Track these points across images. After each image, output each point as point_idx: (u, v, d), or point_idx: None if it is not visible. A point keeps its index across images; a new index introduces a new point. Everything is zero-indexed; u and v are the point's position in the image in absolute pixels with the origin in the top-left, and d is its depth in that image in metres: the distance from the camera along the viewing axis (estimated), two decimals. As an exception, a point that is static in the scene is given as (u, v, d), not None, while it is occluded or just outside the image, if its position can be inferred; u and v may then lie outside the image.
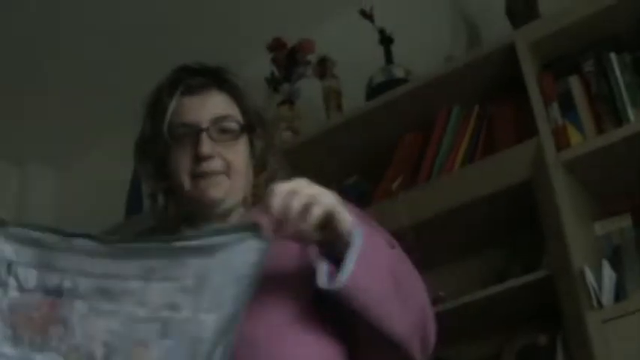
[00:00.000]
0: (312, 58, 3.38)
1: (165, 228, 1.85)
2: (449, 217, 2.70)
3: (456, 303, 2.62)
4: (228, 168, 1.79)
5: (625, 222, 2.55)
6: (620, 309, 2.28)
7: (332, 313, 1.57)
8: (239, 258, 1.45)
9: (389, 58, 3.21)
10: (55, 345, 1.46)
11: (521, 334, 2.67)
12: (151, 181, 1.89)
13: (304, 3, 3.63)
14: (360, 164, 3.13)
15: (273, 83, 3.43)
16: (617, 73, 2.57)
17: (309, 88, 3.34)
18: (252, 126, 1.87)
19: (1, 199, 4.43)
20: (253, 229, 1.45)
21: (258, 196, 1.85)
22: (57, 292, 1.49)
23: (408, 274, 1.64)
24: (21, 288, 1.50)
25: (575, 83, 2.63)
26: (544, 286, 2.44)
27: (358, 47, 3.39)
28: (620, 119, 2.50)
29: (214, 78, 1.87)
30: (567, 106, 2.58)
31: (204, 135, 1.78)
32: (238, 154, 1.82)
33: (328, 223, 1.51)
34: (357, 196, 2.91)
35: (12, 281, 1.51)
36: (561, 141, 2.52)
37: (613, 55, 2.61)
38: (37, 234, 1.53)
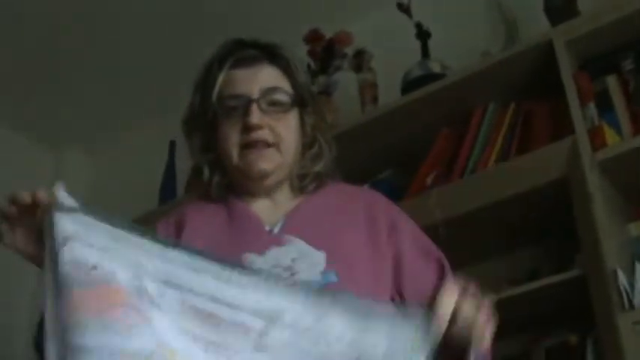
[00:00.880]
0: (349, 50, 3.37)
1: (210, 199, 1.86)
2: (482, 214, 2.70)
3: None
4: (278, 141, 1.80)
5: (659, 224, 2.53)
6: (652, 311, 2.27)
7: None
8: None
9: (425, 52, 3.21)
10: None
11: (552, 334, 2.66)
12: (198, 155, 1.89)
13: (342, -5, 3.64)
14: (395, 158, 3.13)
15: (310, 75, 3.43)
16: (656, 73, 2.56)
17: (346, 80, 3.33)
18: (303, 101, 1.87)
19: (36, 183, 4.45)
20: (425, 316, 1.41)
21: (303, 177, 1.86)
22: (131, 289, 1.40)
23: None
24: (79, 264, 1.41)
25: (612, 83, 2.61)
26: (576, 286, 2.43)
27: (395, 41, 3.39)
28: (658, 120, 2.49)
29: (266, 52, 1.87)
30: (604, 105, 2.57)
31: (254, 105, 1.78)
32: (288, 127, 1.83)
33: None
34: (391, 190, 2.91)
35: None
36: (597, 141, 2.50)
37: (652, 55, 2.59)
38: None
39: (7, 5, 3.63)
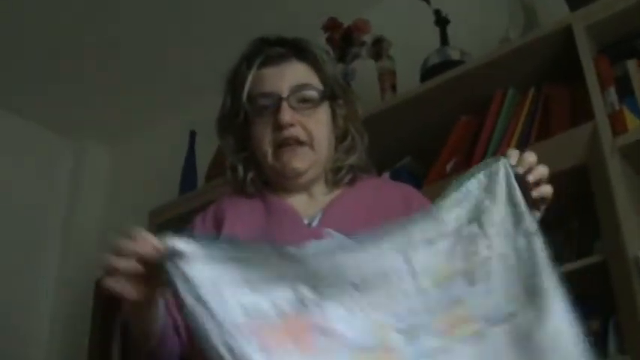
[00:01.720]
0: (368, 38, 3.37)
1: (246, 194, 1.88)
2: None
3: (508, 287, 2.61)
4: (310, 139, 1.81)
5: (681, 209, 2.52)
6: (674, 297, 2.26)
7: None
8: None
9: (444, 39, 3.20)
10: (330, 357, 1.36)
11: (573, 319, 2.65)
12: (232, 154, 1.91)
13: (360, -17, 3.64)
14: (414, 145, 3.12)
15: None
16: (676, 57, 2.54)
17: (364, 68, 3.33)
18: (333, 94, 1.88)
19: (57, 174, 4.49)
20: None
21: (337, 170, 1.88)
22: (297, 307, 1.37)
23: None
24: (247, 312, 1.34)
25: (632, 67, 2.59)
26: (597, 272, 2.42)
27: (414, 28, 3.39)
28: (678, 104, 2.48)
29: (293, 48, 1.89)
30: (624, 90, 2.55)
31: (284, 103, 1.80)
32: (320, 123, 1.84)
33: None
34: (411, 177, 2.92)
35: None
36: (618, 126, 2.49)
37: (672, 39, 2.58)
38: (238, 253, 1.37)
39: (32, 3, 3.66)
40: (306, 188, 1.86)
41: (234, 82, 1.89)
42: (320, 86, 1.87)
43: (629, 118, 2.49)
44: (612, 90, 2.55)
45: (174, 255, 1.31)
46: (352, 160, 1.90)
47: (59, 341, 4.10)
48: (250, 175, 1.88)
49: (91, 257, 4.23)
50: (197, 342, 1.30)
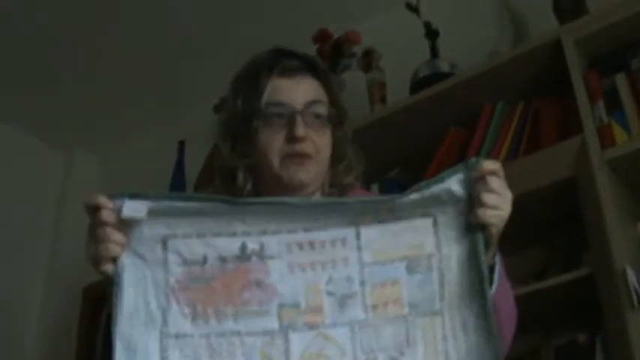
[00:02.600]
0: (358, 50, 3.38)
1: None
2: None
3: (496, 299, 2.62)
4: (317, 153, 1.82)
5: (669, 222, 2.53)
6: (661, 310, 2.27)
7: None
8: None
9: (434, 51, 3.21)
10: (257, 309, 1.48)
11: (561, 332, 2.66)
12: (232, 157, 1.90)
13: (350, -5, 3.65)
14: (403, 157, 3.13)
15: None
16: (665, 71, 2.55)
17: (354, 80, 3.34)
18: (340, 116, 1.89)
19: (46, 184, 4.49)
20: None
21: (334, 186, 1.90)
22: (240, 257, 1.49)
23: (513, 305, 1.74)
24: (185, 261, 1.48)
25: (621, 81, 2.60)
26: (585, 285, 2.43)
27: (404, 40, 3.40)
28: (667, 118, 2.49)
29: (307, 63, 1.89)
30: (613, 104, 2.56)
31: (299, 117, 1.80)
32: (326, 140, 1.85)
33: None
34: (400, 189, 2.90)
35: (172, 257, 1.48)
36: (606, 139, 2.50)
37: (661, 54, 2.59)
38: (194, 204, 1.48)
39: (19, 9, 3.65)
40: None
41: (249, 87, 1.88)
42: (329, 105, 1.88)
43: (618, 131, 2.51)
44: (601, 103, 2.56)
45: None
46: (349, 180, 1.91)
47: (47, 348, 4.08)
48: (249, 185, 1.88)
49: (79, 265, 4.21)
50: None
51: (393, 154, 3.13)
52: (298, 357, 1.46)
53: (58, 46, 3.88)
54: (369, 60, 3.33)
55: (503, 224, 1.58)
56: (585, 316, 2.51)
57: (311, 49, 3.36)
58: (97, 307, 3.86)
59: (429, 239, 1.52)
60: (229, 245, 1.49)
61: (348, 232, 1.51)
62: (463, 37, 3.30)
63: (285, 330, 1.47)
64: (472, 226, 1.52)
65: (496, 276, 1.59)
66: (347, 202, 1.59)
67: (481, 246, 1.52)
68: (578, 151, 2.53)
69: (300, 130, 1.79)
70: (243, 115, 1.87)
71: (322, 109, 1.85)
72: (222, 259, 1.48)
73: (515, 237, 2.80)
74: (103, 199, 1.54)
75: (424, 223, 1.52)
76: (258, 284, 1.48)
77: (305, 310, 1.48)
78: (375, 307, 1.49)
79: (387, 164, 3.12)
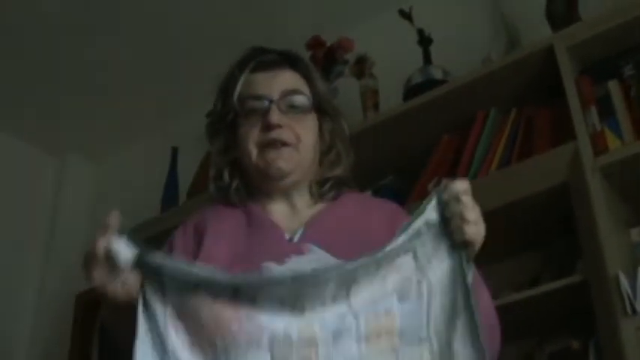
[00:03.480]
0: (350, 57, 3.38)
1: (229, 204, 1.88)
2: (483, 220, 2.69)
3: (489, 306, 2.62)
4: (297, 141, 1.82)
5: (661, 229, 2.53)
6: (655, 316, 2.27)
7: None
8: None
9: (427, 58, 3.21)
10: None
11: (554, 339, 2.66)
12: (218, 157, 1.92)
13: (343, 2, 3.64)
14: (396, 164, 3.13)
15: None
16: (658, 78, 2.56)
17: (347, 87, 3.34)
18: (321, 107, 1.89)
19: (39, 189, 4.48)
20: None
21: (322, 183, 1.89)
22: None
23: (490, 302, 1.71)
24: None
25: (614, 88, 2.61)
26: (578, 292, 2.43)
27: (397, 47, 3.40)
28: (659, 125, 2.49)
29: (286, 57, 1.91)
30: (606, 110, 2.56)
31: (274, 106, 1.81)
32: (307, 128, 1.85)
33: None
34: (393, 196, 2.91)
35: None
36: (599, 146, 2.50)
37: (653, 60, 2.59)
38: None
39: (13, 16, 3.65)
40: (288, 195, 1.86)
41: (226, 85, 1.90)
42: (310, 95, 1.88)
43: (610, 138, 2.51)
44: (594, 110, 2.57)
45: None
46: (337, 172, 1.90)
47: (40, 355, 4.07)
48: (235, 182, 1.88)
49: (72, 272, 4.21)
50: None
51: (386, 161, 3.13)
52: None
53: (51, 53, 3.87)
54: (361, 67, 3.33)
55: (482, 240, 1.57)
56: (578, 322, 2.51)
57: (304, 56, 3.35)
58: (90, 313, 3.86)
59: (412, 271, 1.50)
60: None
61: (341, 302, 1.48)
62: (456, 44, 3.30)
63: None
64: (455, 246, 1.52)
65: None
66: (338, 270, 1.52)
67: (466, 263, 1.51)
68: (571, 157, 2.53)
69: (274, 118, 1.80)
70: (222, 114, 1.88)
71: (301, 99, 1.86)
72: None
73: (509, 244, 2.83)
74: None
75: (406, 259, 1.51)
76: (248, 317, 1.45)
77: (298, 344, 1.44)
78: (369, 339, 1.46)
79: (380, 171, 3.12)
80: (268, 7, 3.68)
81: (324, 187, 1.89)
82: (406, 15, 3.28)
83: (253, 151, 1.82)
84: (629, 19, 2.62)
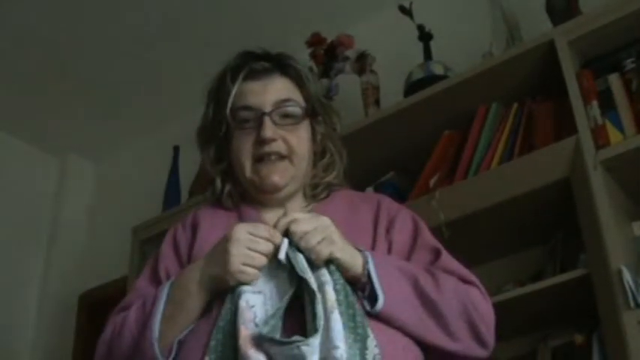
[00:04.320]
0: (351, 53, 3.37)
1: (222, 206, 1.90)
2: (486, 215, 2.69)
3: (493, 301, 2.60)
4: (290, 153, 1.82)
5: (664, 222, 2.53)
6: (657, 309, 2.27)
7: None
8: None
9: (428, 54, 3.21)
10: None
11: (558, 333, 2.66)
12: (211, 165, 1.92)
13: (344, -2, 3.65)
14: (398, 160, 3.13)
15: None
16: (659, 71, 2.55)
17: (348, 83, 3.34)
18: (314, 111, 1.89)
19: (41, 189, 4.48)
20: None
21: (315, 185, 1.89)
22: None
23: (436, 288, 1.66)
24: None
25: (615, 81, 2.60)
26: (581, 286, 2.43)
27: (397, 43, 3.40)
28: (661, 118, 2.49)
29: (277, 63, 1.89)
30: (607, 104, 2.56)
31: (266, 118, 1.80)
32: (300, 138, 1.85)
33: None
34: (394, 193, 2.91)
35: None
36: (600, 140, 2.50)
37: (654, 54, 2.59)
38: None
39: (14, 16, 3.65)
40: (282, 204, 1.86)
41: (218, 93, 1.89)
42: (302, 102, 1.87)
43: (612, 131, 2.51)
44: (595, 104, 2.56)
45: None
46: (331, 177, 1.91)
47: (42, 355, 4.08)
48: (227, 188, 1.89)
49: (74, 272, 4.22)
50: None
51: (387, 157, 3.13)
52: None
53: (52, 53, 3.88)
54: (362, 63, 3.32)
55: (339, 241, 1.60)
56: (582, 316, 2.51)
57: (304, 53, 3.36)
58: (93, 314, 3.86)
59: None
60: None
61: None
62: (456, 40, 3.30)
63: None
64: (318, 266, 1.57)
65: (377, 285, 1.58)
66: None
67: (337, 274, 1.56)
68: (573, 151, 2.53)
69: (268, 132, 1.80)
70: (214, 123, 1.88)
71: (294, 107, 1.85)
72: None
73: (511, 239, 2.84)
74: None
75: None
76: None
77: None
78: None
79: (381, 168, 3.11)
80: (268, 5, 3.68)
81: (317, 190, 1.90)
82: (406, 11, 3.28)
83: (247, 166, 1.83)
84: (629, 12, 2.61)
